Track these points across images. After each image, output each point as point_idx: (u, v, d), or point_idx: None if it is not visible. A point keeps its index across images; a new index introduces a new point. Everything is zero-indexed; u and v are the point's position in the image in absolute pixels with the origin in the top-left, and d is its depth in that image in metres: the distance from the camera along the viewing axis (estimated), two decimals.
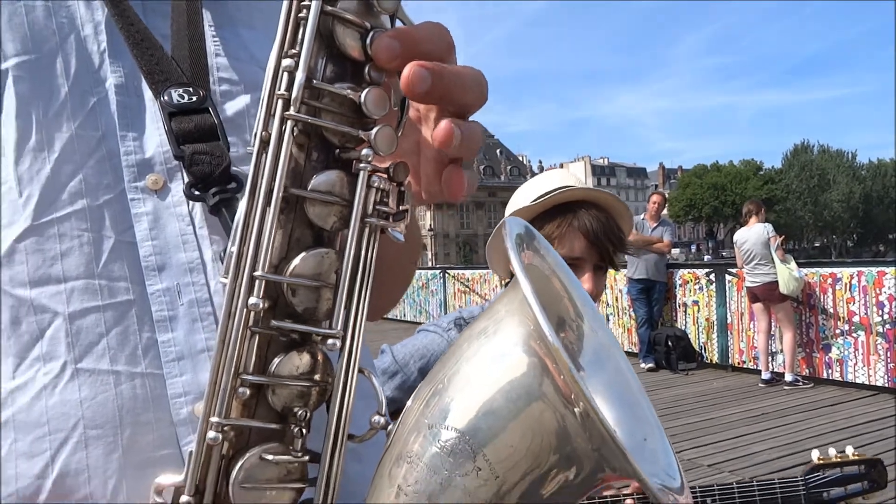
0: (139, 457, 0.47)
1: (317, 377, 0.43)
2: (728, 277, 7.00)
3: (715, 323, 7.08)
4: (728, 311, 6.99)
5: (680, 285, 7.55)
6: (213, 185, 0.50)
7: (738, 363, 6.87)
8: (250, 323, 0.41)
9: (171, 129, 0.50)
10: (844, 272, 6.01)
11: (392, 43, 0.39)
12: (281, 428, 0.43)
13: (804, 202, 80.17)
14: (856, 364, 5.88)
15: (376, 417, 0.46)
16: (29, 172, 0.48)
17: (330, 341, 0.42)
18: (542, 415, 0.41)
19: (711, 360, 7.14)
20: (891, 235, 74.38)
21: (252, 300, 0.40)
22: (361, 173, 0.41)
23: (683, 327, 7.42)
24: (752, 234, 6.18)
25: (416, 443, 0.44)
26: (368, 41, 0.41)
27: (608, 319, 8.56)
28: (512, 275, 1.14)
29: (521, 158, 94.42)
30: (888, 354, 5.64)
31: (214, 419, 0.41)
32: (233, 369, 0.41)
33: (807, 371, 6.25)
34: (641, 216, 7.61)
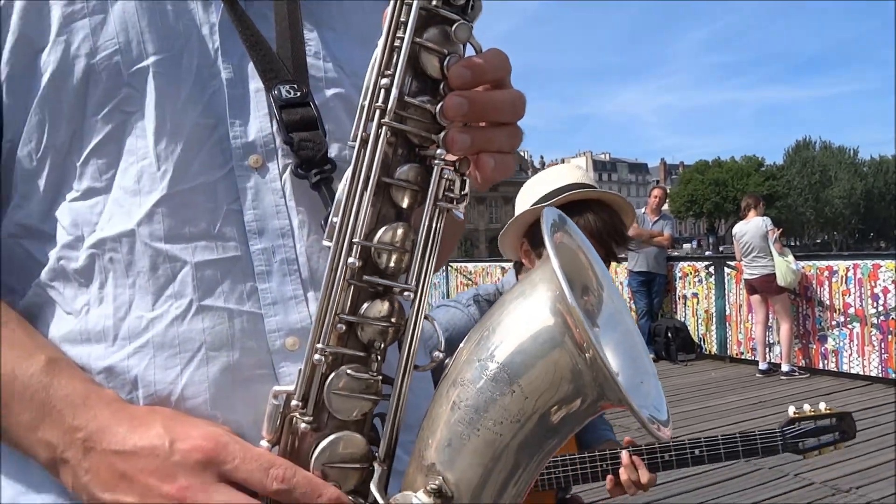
0: (243, 374, 0.61)
1: (393, 319, 0.56)
2: (727, 270, 7.14)
3: (714, 315, 7.23)
4: (727, 303, 7.13)
5: (680, 278, 7.69)
6: (315, 167, 0.62)
7: (737, 354, 7.01)
8: (347, 277, 0.54)
9: (281, 120, 0.62)
10: (840, 265, 6.14)
11: (464, 71, 0.53)
12: (365, 356, 0.56)
13: (805, 198, 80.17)
14: (851, 355, 6.02)
15: (437, 353, 0.60)
16: (165, 152, 0.60)
17: (406, 293, 0.56)
18: (561, 357, 0.54)
19: (710, 352, 7.29)
20: (893, 232, 74.37)
21: (350, 260, 0.54)
22: (436, 168, 0.55)
23: (683, 319, 7.56)
24: (751, 227, 6.32)
25: (467, 372, 0.57)
26: (446, 64, 0.54)
27: None
28: (519, 259, 1.30)
29: (522, 154, 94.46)
30: (882, 345, 5.78)
31: (319, 345, 0.54)
32: (334, 310, 0.54)
33: (803, 362, 6.39)
34: (642, 210, 7.74)
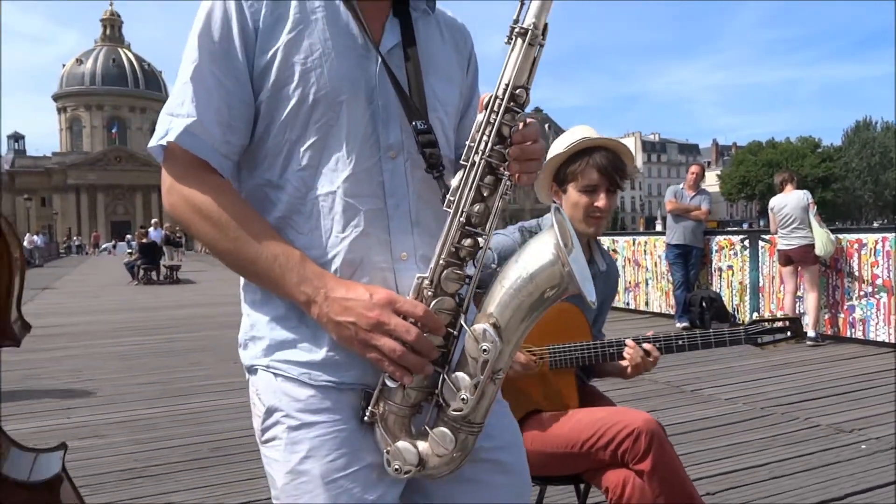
0: (381, 267, 1.06)
1: (473, 248, 1.02)
2: (761, 244, 7.44)
3: (748, 286, 7.55)
4: (760, 274, 7.45)
5: (716, 251, 8.02)
6: (435, 168, 1.07)
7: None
8: (456, 226, 1.00)
9: (419, 142, 1.06)
10: (870, 238, 6.41)
11: (519, 137, 0.99)
12: (460, 264, 1.01)
13: (864, 181, 77.55)
14: (877, 323, 6.31)
15: (493, 265, 1.09)
16: (348, 148, 1.05)
17: (481, 239, 1.02)
18: (554, 268, 0.98)
19: (743, 321, 7.61)
20: None
21: (461, 219, 1.00)
22: (503, 179, 1.01)
23: (718, 290, 7.90)
24: (793, 199, 6.62)
25: (511, 272, 1.01)
26: (511, 131, 0.99)
27: (647, 283, 9.08)
28: (553, 200, 1.86)
29: None
30: None
31: (442, 258, 1.00)
32: (450, 240, 1.01)
33: (832, 330, 6.70)
34: (681, 186, 8.08)
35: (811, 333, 6.51)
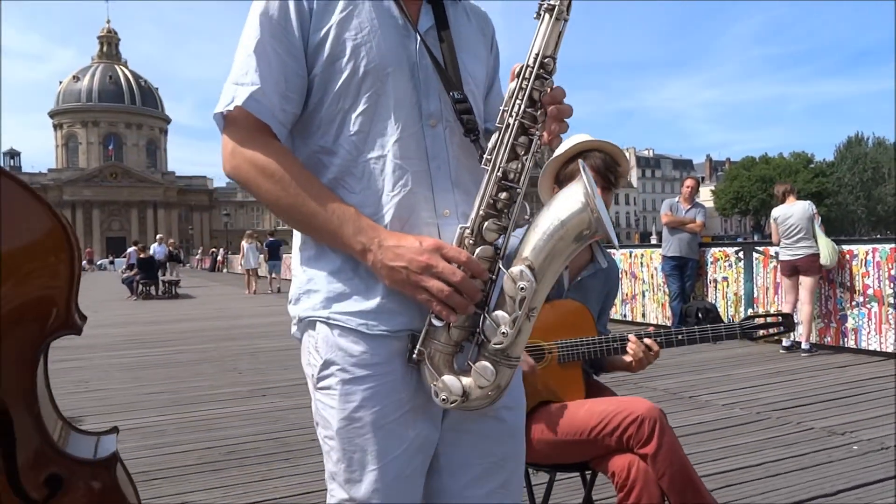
0: (426, 222, 1.18)
1: (509, 201, 1.14)
2: (755, 255, 7.60)
3: (742, 297, 7.70)
4: (755, 286, 7.60)
5: (711, 262, 8.18)
6: (472, 133, 1.18)
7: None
8: (494, 181, 1.12)
9: (457, 110, 1.17)
10: (861, 249, 6.58)
11: (550, 99, 1.10)
12: (497, 214, 1.12)
13: (856, 196, 78.18)
14: (869, 333, 6.46)
15: (526, 217, 1.21)
16: (395, 115, 1.16)
17: (517, 189, 1.13)
18: (583, 214, 1.10)
19: None
20: None
21: (498, 175, 1.12)
22: (535, 138, 1.14)
23: (714, 301, 8.05)
24: (798, 209, 6.70)
25: (543, 220, 1.12)
26: (541, 95, 1.09)
27: (644, 295, 9.22)
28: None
29: None
30: None
31: (482, 210, 1.12)
32: (488, 193, 1.13)
33: (826, 340, 6.84)
34: (676, 199, 8.25)
35: (805, 346, 6.65)
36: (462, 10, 1.31)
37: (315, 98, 1.18)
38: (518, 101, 1.12)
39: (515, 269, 1.08)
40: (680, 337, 2.00)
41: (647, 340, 1.93)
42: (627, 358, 1.98)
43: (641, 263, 9.26)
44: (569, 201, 1.10)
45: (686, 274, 8.07)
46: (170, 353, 7.95)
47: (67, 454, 1.38)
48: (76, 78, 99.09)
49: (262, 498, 3.15)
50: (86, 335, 1.37)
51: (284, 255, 24.43)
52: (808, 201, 6.82)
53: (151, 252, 20.39)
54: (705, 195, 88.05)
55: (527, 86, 1.11)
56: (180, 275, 23.02)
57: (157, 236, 22.87)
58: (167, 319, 12.55)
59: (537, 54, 1.11)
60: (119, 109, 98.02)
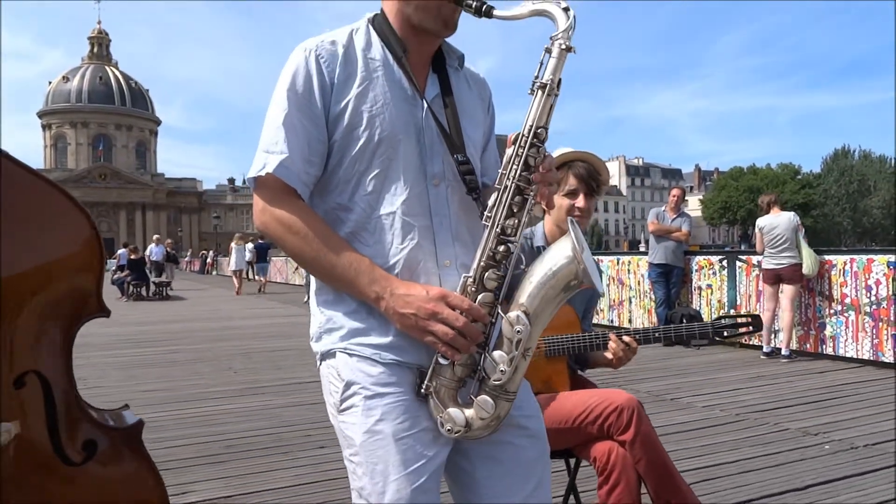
0: (430, 271, 1.32)
1: (506, 253, 1.28)
2: (738, 263, 7.82)
3: (726, 304, 7.91)
4: (738, 293, 7.82)
5: (696, 270, 8.39)
6: (474, 192, 1.32)
7: (746, 340, 7.68)
8: (493, 236, 1.26)
9: (461, 171, 1.31)
10: (839, 259, 6.81)
11: (542, 167, 1.24)
12: (497, 266, 1.28)
13: (843, 208, 79.01)
14: (846, 340, 6.68)
15: (522, 266, 1.37)
16: (405, 177, 1.30)
17: (512, 246, 1.28)
18: (570, 265, 1.25)
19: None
20: None
21: (497, 230, 1.27)
22: (529, 198, 1.28)
23: (698, 308, 8.25)
24: (783, 220, 6.91)
25: (538, 269, 1.27)
26: (536, 162, 1.23)
27: (630, 301, 9.43)
28: (543, 209, 2.20)
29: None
30: (874, 332, 6.43)
31: (482, 262, 1.26)
32: (488, 247, 1.28)
33: (805, 346, 7.06)
34: (663, 208, 8.47)
35: (785, 352, 6.85)
36: (463, 79, 1.46)
37: (334, 160, 1.32)
38: (515, 167, 1.26)
39: (512, 314, 1.22)
40: (657, 335, 2.17)
41: (625, 338, 2.10)
42: (608, 354, 2.15)
43: (629, 270, 9.47)
44: (559, 254, 1.25)
45: (671, 281, 8.27)
46: (164, 353, 8.06)
47: (99, 422, 1.55)
48: (66, 78, 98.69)
49: (261, 488, 3.30)
50: (80, 334, 1.55)
51: (273, 259, 24.56)
52: (793, 213, 7.04)
53: (149, 253, 20.68)
54: (694, 204, 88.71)
55: (522, 153, 1.26)
56: (173, 274, 23.10)
57: (155, 237, 22.91)
58: (160, 320, 12.63)
59: (531, 126, 1.26)
60: (109, 111, 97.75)
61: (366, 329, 1.30)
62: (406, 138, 1.32)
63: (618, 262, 9.70)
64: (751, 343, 7.60)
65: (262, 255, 21.52)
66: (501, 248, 1.26)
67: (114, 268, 20.20)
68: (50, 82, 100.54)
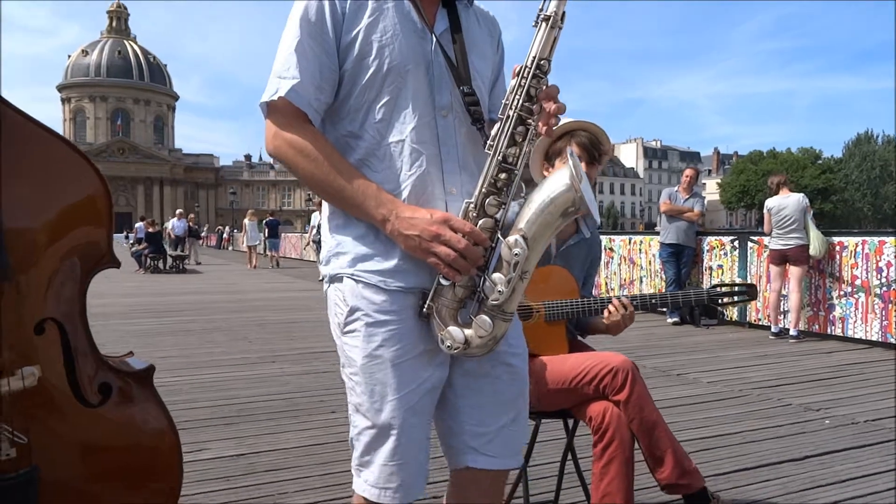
0: (433, 198, 1.39)
1: (507, 180, 1.35)
2: (749, 244, 7.83)
3: None
4: (748, 274, 7.83)
5: (707, 251, 8.41)
6: (478, 122, 1.36)
7: (755, 321, 7.72)
8: (494, 163, 1.33)
9: (466, 103, 1.36)
10: (851, 241, 6.80)
11: (544, 95, 1.29)
12: (497, 192, 1.34)
13: (863, 193, 78.10)
14: (855, 322, 6.69)
15: (521, 195, 1.45)
16: (413, 105, 1.35)
17: (513, 174, 1.35)
18: (568, 193, 1.32)
19: (732, 318, 8.01)
20: None
21: (499, 158, 1.34)
22: (531, 127, 1.35)
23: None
24: (793, 201, 6.93)
25: (537, 196, 1.34)
26: (537, 92, 1.29)
27: (641, 281, 9.46)
28: (543, 177, 2.25)
29: None
30: (883, 313, 6.44)
31: (484, 188, 1.33)
32: (490, 174, 1.34)
33: (814, 327, 7.08)
34: (676, 188, 8.46)
35: (793, 332, 6.88)
36: (473, 15, 1.51)
37: (345, 90, 1.37)
38: (517, 97, 1.31)
39: (511, 238, 1.28)
40: (654, 301, 2.24)
41: (622, 299, 2.17)
42: (605, 320, 2.22)
43: (640, 250, 9.49)
44: (557, 182, 1.29)
45: (682, 261, 8.29)
46: (181, 323, 8.23)
47: (113, 365, 1.65)
48: (85, 52, 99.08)
49: (272, 448, 3.42)
50: (100, 304, 1.69)
51: (285, 234, 24.77)
52: (802, 194, 7.03)
53: (170, 227, 21.06)
54: (711, 188, 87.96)
55: (525, 83, 1.30)
56: (195, 249, 23.45)
57: (177, 211, 23.21)
58: (176, 292, 12.84)
59: (534, 57, 1.30)
60: (127, 85, 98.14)
61: (371, 254, 1.35)
62: (415, 69, 1.36)
63: (629, 242, 9.73)
64: (759, 323, 7.63)
65: (273, 231, 21.95)
66: (503, 175, 1.30)
67: (132, 241, 20.48)
68: (69, 56, 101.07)
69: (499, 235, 1.31)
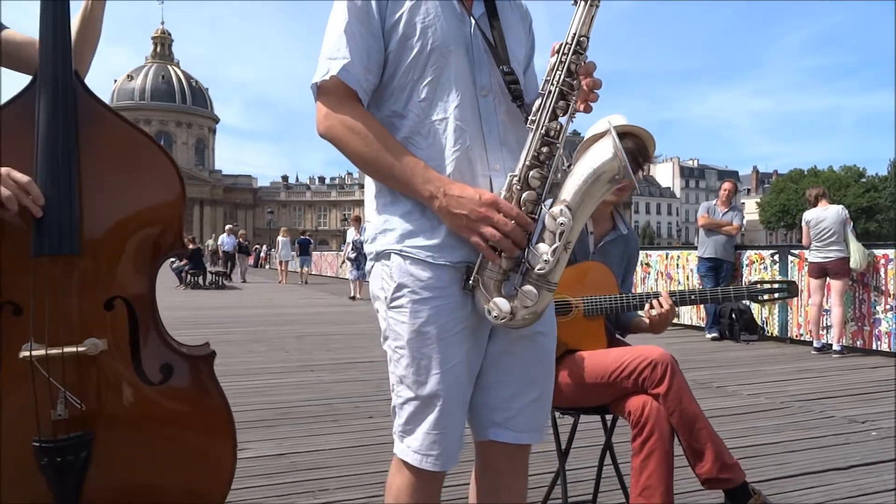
0: (478, 175, 1.43)
1: (549, 154, 1.40)
2: (790, 258, 7.70)
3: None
4: None
5: (746, 265, 8.28)
6: (518, 99, 1.41)
7: (797, 336, 7.57)
8: (538, 137, 1.38)
9: (506, 81, 1.41)
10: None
11: (584, 71, 1.37)
12: (540, 165, 1.39)
13: None
14: None
15: (564, 168, 1.49)
16: (456, 85, 1.41)
17: (555, 147, 1.40)
18: (613, 162, 1.35)
19: (772, 333, 7.86)
20: None
21: (542, 132, 1.39)
22: (572, 102, 1.39)
23: (747, 303, 8.15)
24: (832, 213, 6.82)
25: (580, 168, 1.36)
26: (577, 68, 1.35)
27: None
28: None
29: None
30: None
31: (527, 161, 1.37)
32: (533, 148, 1.39)
33: (859, 342, 6.91)
34: (714, 202, 8.39)
35: (836, 347, 6.73)
36: (506, 2, 1.56)
37: (389, 71, 1.41)
38: (558, 72, 1.35)
39: (556, 209, 1.30)
40: (693, 297, 2.24)
41: (661, 298, 2.18)
42: (645, 318, 2.23)
43: (677, 265, 9.40)
44: (601, 152, 1.32)
45: (721, 276, 8.18)
46: (221, 334, 8.38)
47: (177, 349, 1.72)
48: (130, 77, 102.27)
49: (311, 449, 3.47)
50: None
51: (321, 253, 25.41)
52: (841, 206, 6.92)
53: (220, 243, 22.26)
54: (750, 207, 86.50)
55: (565, 59, 1.34)
56: (246, 266, 24.28)
57: (227, 227, 24.11)
58: (216, 306, 13.09)
59: (574, 34, 1.35)
60: (170, 108, 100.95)
61: (418, 230, 1.38)
62: (456, 49, 1.41)
63: (666, 257, 9.64)
64: (801, 339, 7.48)
65: (304, 249, 23.05)
66: (545, 149, 1.34)
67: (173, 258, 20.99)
68: (115, 80, 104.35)
69: (543, 206, 1.35)
